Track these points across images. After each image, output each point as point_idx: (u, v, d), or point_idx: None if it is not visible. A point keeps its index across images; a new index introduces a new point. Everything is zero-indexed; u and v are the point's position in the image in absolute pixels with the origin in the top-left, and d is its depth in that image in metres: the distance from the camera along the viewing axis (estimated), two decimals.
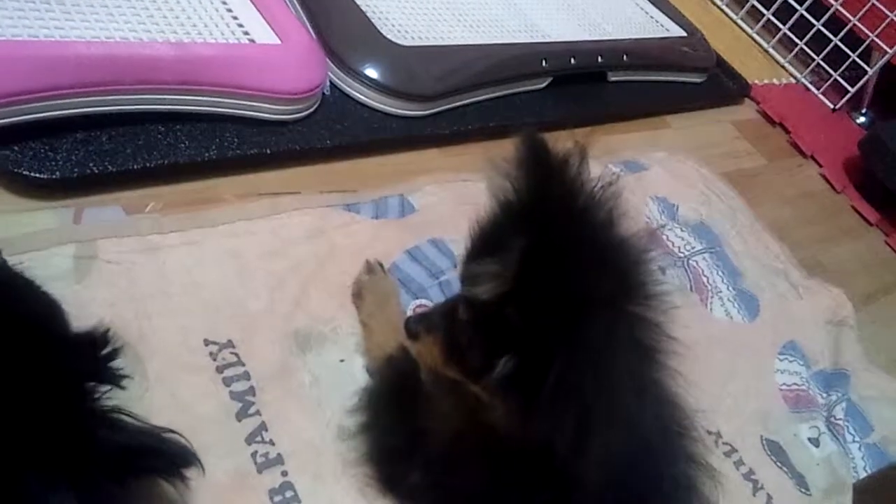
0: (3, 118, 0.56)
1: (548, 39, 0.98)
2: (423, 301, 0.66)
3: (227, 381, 0.54)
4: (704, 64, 1.18)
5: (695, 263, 0.86)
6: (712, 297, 0.84)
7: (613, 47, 1.04)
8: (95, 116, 0.61)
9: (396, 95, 0.79)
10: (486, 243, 0.43)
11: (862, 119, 1.37)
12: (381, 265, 0.65)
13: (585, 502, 0.43)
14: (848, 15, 1.29)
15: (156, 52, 0.63)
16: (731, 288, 0.86)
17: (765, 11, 1.38)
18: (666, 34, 1.16)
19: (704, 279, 0.85)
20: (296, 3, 0.82)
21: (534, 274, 0.38)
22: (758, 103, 1.25)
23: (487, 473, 0.46)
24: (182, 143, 0.66)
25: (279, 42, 0.73)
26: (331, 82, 0.78)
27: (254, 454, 0.51)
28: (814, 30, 1.32)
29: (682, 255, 0.86)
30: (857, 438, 0.77)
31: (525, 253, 0.38)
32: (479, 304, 0.41)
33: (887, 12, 1.26)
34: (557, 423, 0.37)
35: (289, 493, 0.50)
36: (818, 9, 1.31)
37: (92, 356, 0.40)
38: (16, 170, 0.57)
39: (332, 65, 0.78)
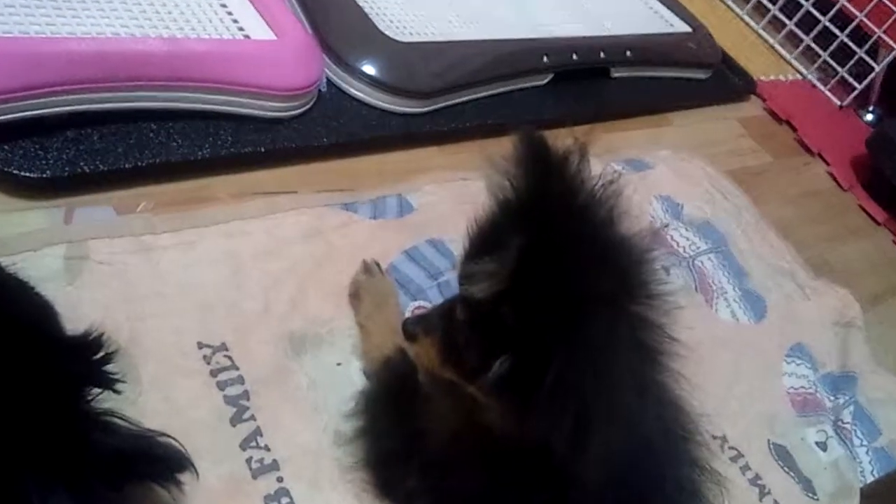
0: None
1: (549, 35, 0.96)
2: (422, 302, 0.65)
3: (221, 385, 0.53)
4: (709, 60, 1.17)
5: (700, 264, 0.85)
6: (718, 297, 0.82)
7: (616, 43, 1.02)
8: (87, 114, 0.60)
9: (394, 92, 0.78)
10: (484, 242, 0.43)
11: (869, 116, 1.35)
12: (378, 265, 0.64)
13: (585, 502, 0.42)
14: (855, 11, 1.28)
15: (148, 47, 0.62)
16: (736, 288, 0.84)
17: (771, 7, 1.37)
18: (670, 30, 1.15)
19: (710, 279, 0.84)
20: None
21: (531, 272, 0.38)
22: (764, 100, 1.24)
23: (485, 475, 0.46)
24: (175, 142, 0.65)
25: (275, 38, 0.72)
26: (327, 79, 0.77)
27: (248, 460, 0.50)
28: (820, 25, 1.31)
29: (687, 255, 0.85)
30: (864, 442, 0.76)
31: (522, 251, 0.38)
32: (476, 304, 0.40)
33: (894, 8, 1.24)
34: (556, 422, 0.37)
35: (284, 500, 0.50)
36: (825, 4, 1.30)
37: (86, 360, 0.40)
38: (6, 169, 0.57)
39: (328, 61, 0.77)
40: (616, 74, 1.03)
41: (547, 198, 0.41)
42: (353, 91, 0.78)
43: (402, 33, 0.82)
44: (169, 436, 0.41)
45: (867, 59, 1.28)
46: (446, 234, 0.70)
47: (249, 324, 0.57)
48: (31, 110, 0.57)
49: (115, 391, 0.41)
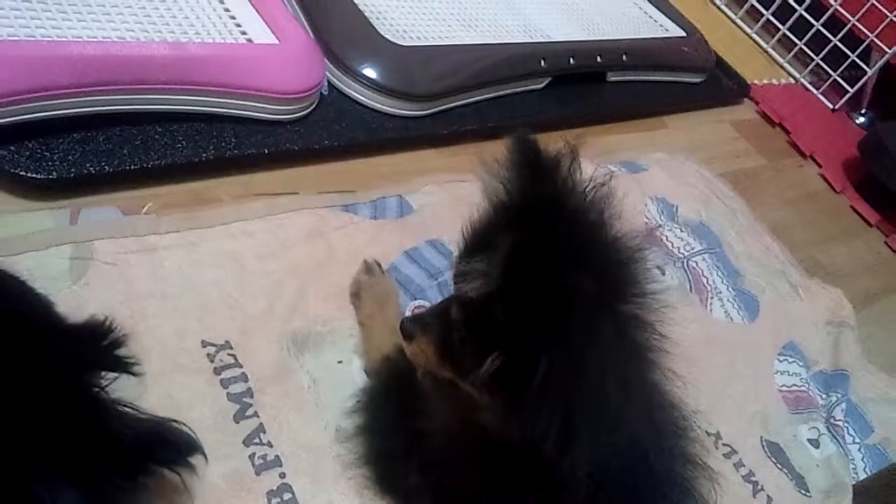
0: (0, 118, 0.56)
1: (547, 39, 0.98)
2: (422, 302, 0.65)
3: (225, 383, 0.54)
4: (704, 64, 1.18)
5: (694, 264, 0.86)
6: (712, 297, 0.84)
7: (613, 47, 1.03)
8: (92, 116, 0.61)
9: (395, 95, 0.79)
10: (477, 242, 0.43)
11: (861, 119, 1.37)
12: (379, 265, 0.64)
13: (576, 500, 0.43)
14: (847, 15, 1.29)
15: (153, 52, 0.63)
16: (730, 288, 0.86)
17: (764, 11, 1.38)
18: (665, 34, 1.16)
19: (704, 280, 0.85)
20: (294, 2, 0.82)
21: (520, 272, 0.38)
22: (757, 103, 1.25)
23: (485, 473, 0.46)
24: (179, 144, 0.65)
25: (277, 42, 0.72)
26: (329, 82, 0.78)
27: (252, 456, 0.51)
28: (813, 30, 1.32)
29: (681, 255, 0.86)
30: (857, 439, 0.77)
31: (512, 251, 0.39)
32: (469, 303, 0.41)
33: (887, 12, 1.26)
34: (543, 421, 0.37)
35: (287, 496, 0.50)
36: (817, 9, 1.31)
37: (94, 345, 0.39)
38: (12, 170, 0.57)
39: (330, 64, 0.78)
40: (612, 78, 1.04)
41: (537, 200, 0.42)
42: (354, 94, 0.79)
43: (403, 37, 0.83)
44: (178, 421, 0.42)
45: (859, 62, 1.29)
46: (446, 235, 0.71)
47: (252, 323, 0.58)
48: (37, 112, 0.57)
49: (133, 374, 0.40)
